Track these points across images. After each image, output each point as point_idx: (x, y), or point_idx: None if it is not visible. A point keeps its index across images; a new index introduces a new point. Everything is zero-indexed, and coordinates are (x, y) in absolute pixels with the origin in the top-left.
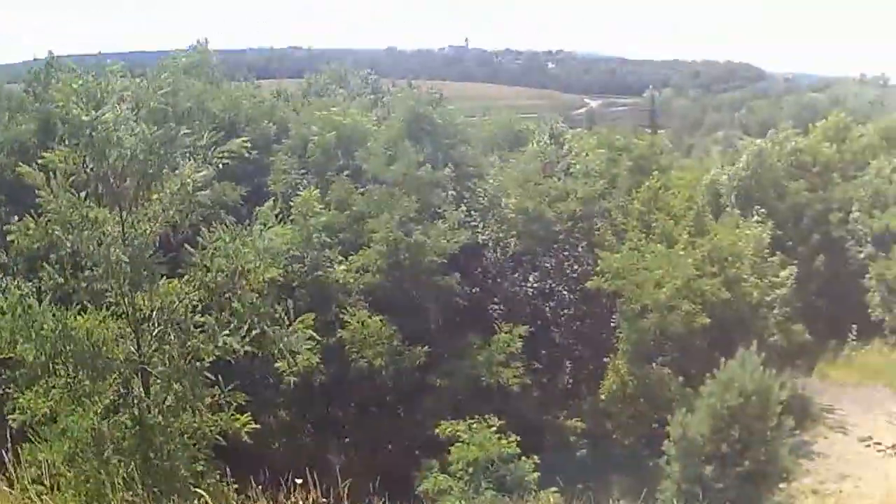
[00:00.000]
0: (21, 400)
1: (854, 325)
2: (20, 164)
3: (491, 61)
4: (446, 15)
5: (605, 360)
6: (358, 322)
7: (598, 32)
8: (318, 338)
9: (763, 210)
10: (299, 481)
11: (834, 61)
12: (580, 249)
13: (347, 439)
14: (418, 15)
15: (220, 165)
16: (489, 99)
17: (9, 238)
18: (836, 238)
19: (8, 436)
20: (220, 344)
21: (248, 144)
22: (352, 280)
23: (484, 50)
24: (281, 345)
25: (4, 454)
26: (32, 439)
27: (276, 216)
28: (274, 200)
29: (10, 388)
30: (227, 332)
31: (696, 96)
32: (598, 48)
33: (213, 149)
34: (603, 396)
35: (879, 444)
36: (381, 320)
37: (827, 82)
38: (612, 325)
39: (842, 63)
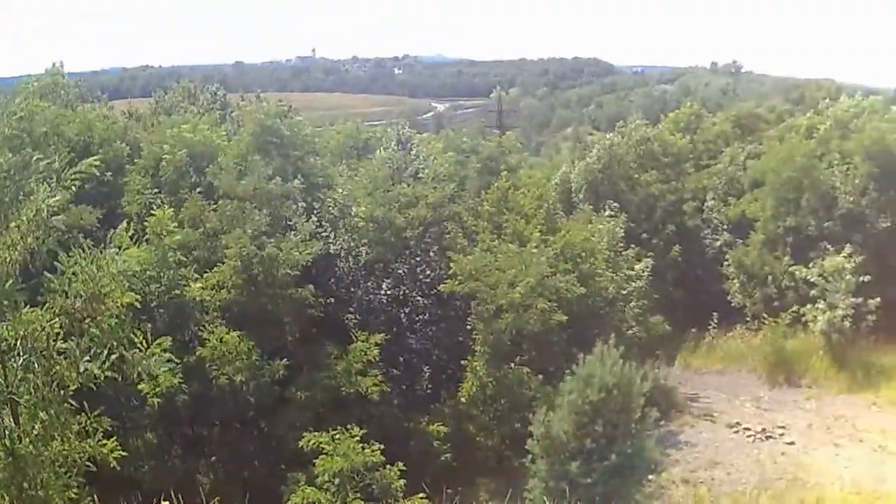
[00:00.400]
0: None
1: (715, 313)
2: None
3: (338, 70)
4: (293, 26)
5: (462, 362)
6: (216, 339)
7: (445, 35)
8: (176, 360)
9: (615, 204)
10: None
11: (685, 51)
12: (432, 254)
13: (214, 458)
14: (265, 28)
15: (74, 188)
16: (337, 108)
17: None
18: (691, 227)
19: None
20: (81, 370)
21: (99, 164)
22: (208, 297)
23: (330, 59)
24: (140, 368)
25: None
26: None
27: (131, 238)
28: (128, 222)
29: None
30: (87, 357)
31: (544, 94)
32: (444, 51)
33: (67, 171)
34: (463, 399)
35: (748, 429)
36: (238, 336)
37: (678, 73)
38: (468, 327)
39: (693, 52)
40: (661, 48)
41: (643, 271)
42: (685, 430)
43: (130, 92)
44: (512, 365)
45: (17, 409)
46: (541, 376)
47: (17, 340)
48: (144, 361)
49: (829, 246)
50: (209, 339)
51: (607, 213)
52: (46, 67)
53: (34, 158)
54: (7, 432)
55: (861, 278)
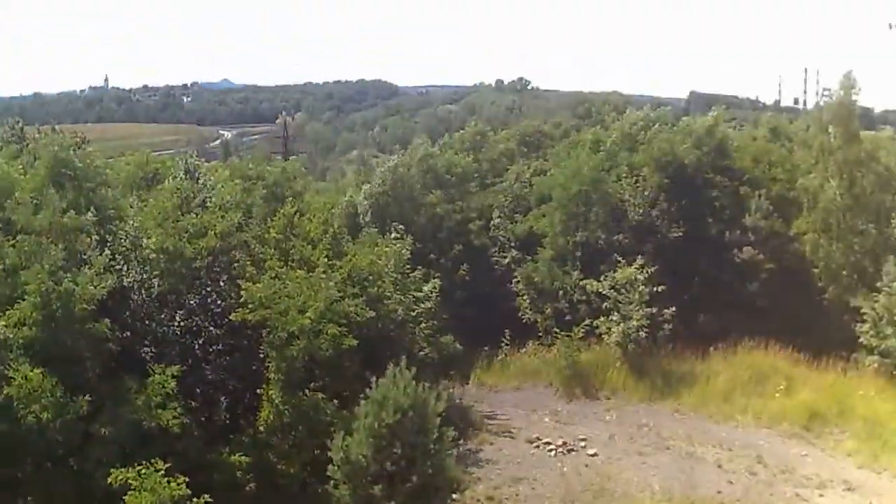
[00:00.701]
0: None
1: (507, 330)
2: None
3: (129, 99)
4: (86, 55)
5: (258, 391)
6: (21, 377)
7: (231, 61)
8: None
9: (401, 226)
10: None
11: (471, 70)
12: (222, 284)
13: (29, 498)
14: (60, 56)
15: None
16: (129, 138)
17: None
18: (478, 246)
19: None
20: None
21: None
22: (11, 335)
23: (122, 88)
24: None
25: None
26: None
27: None
28: None
29: None
30: None
31: (330, 118)
32: (231, 77)
33: None
34: (261, 428)
35: (549, 443)
36: (42, 373)
37: (463, 92)
38: (261, 355)
39: (479, 71)
40: (447, 67)
41: (431, 292)
42: (485, 447)
43: None
44: (307, 391)
45: None
46: (336, 401)
47: None
48: None
49: (620, 258)
50: (14, 378)
51: (393, 235)
52: None
53: None
54: None
55: (655, 288)
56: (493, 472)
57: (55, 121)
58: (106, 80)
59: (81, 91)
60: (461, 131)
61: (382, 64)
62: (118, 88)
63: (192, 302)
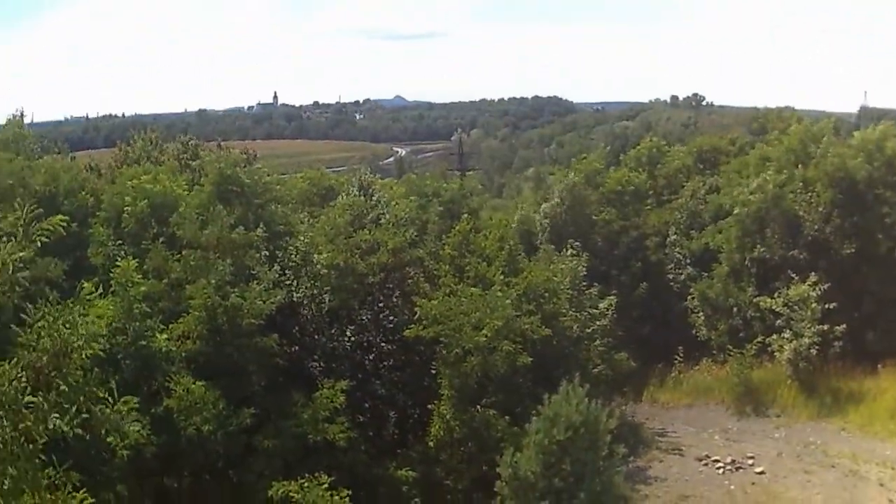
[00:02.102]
0: None
1: (680, 347)
2: None
3: (299, 116)
4: (254, 73)
5: (429, 407)
6: (183, 389)
7: (404, 78)
8: (142, 420)
9: (577, 243)
10: None
11: (646, 86)
12: (395, 300)
13: None
14: (227, 75)
15: (40, 243)
16: (299, 155)
17: None
18: (654, 263)
19: None
20: (49, 426)
21: (67, 219)
22: (174, 348)
23: (292, 105)
24: (108, 426)
25: None
26: None
27: (98, 290)
28: (97, 278)
29: None
30: (56, 413)
31: (505, 135)
32: (404, 94)
33: (33, 225)
34: (430, 443)
35: (718, 461)
36: (204, 386)
37: (638, 108)
38: (432, 371)
39: (654, 87)
40: (622, 84)
41: (607, 309)
42: (654, 465)
43: (94, 142)
44: (478, 407)
45: None
46: (507, 418)
47: None
48: (112, 417)
49: (793, 275)
50: (176, 390)
51: (569, 252)
52: (7, 118)
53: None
54: None
55: (827, 305)
56: (661, 489)
57: (221, 137)
58: (275, 96)
59: (249, 108)
60: (636, 148)
61: (557, 80)
62: (288, 105)
63: (363, 317)
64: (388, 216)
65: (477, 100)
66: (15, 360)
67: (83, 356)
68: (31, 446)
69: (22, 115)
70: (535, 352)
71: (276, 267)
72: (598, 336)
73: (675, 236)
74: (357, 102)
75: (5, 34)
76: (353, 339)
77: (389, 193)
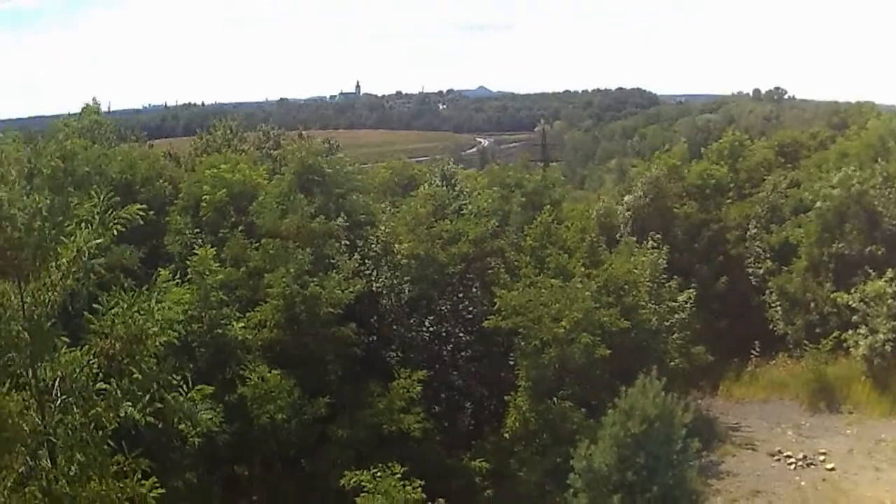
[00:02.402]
0: None
1: (756, 342)
2: None
3: (382, 106)
4: (336, 62)
5: (505, 398)
6: (258, 378)
7: (487, 69)
8: (215, 408)
9: (658, 235)
10: None
11: (728, 79)
12: (475, 290)
13: (255, 497)
14: (308, 64)
15: (116, 231)
16: (382, 144)
17: None
18: (734, 256)
19: None
20: (122, 414)
21: (145, 208)
22: (250, 336)
23: (375, 95)
24: (181, 414)
25: None
26: None
27: (174, 278)
28: (174, 265)
29: None
30: (128, 401)
31: (589, 126)
32: (487, 84)
33: (110, 213)
34: (506, 435)
35: (790, 456)
36: (280, 375)
37: (721, 101)
38: (510, 363)
39: (737, 80)
40: (705, 77)
41: (686, 302)
42: (726, 459)
43: (173, 130)
44: (555, 399)
45: (54, 450)
46: (583, 410)
47: (55, 381)
48: (185, 406)
49: (871, 270)
50: (250, 378)
51: (649, 244)
52: (84, 105)
53: (74, 202)
54: (44, 473)
55: None
56: (733, 484)
57: (302, 127)
58: (357, 86)
59: (331, 97)
60: (718, 141)
61: (640, 72)
62: (370, 94)
63: (443, 308)
64: (470, 206)
65: (560, 91)
66: (87, 346)
67: (157, 343)
68: (100, 433)
69: (97, 103)
70: (612, 344)
71: (357, 256)
72: (677, 329)
73: (755, 230)
74: (440, 93)
75: (82, 21)
76: (431, 329)
77: (472, 184)
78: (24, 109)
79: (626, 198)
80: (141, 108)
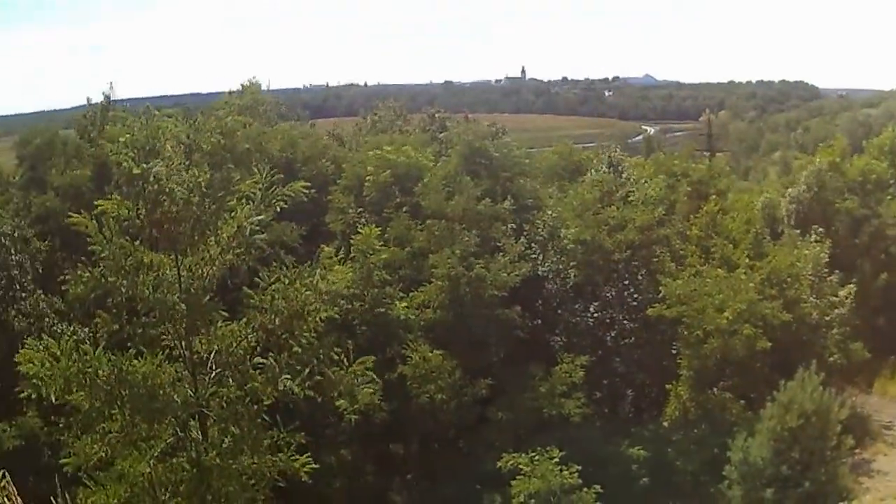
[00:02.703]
0: (76, 445)
1: None
2: (72, 212)
3: (548, 91)
4: (502, 46)
5: (666, 387)
6: (420, 357)
7: (653, 57)
8: (377, 379)
9: (820, 229)
10: None
11: (889, 74)
12: (640, 278)
13: (410, 475)
14: (473, 47)
15: (279, 208)
16: (547, 129)
17: (64, 287)
18: (893, 254)
19: (60, 482)
20: (280, 388)
21: (308, 185)
22: (413, 316)
23: (540, 80)
24: (341, 387)
25: (62, 499)
26: (87, 485)
27: (336, 255)
28: (337, 243)
29: (64, 435)
30: (287, 375)
31: (753, 118)
32: (652, 73)
33: (272, 190)
34: (665, 423)
35: None
36: (442, 355)
37: (882, 96)
38: (672, 352)
39: None
40: (867, 70)
41: (846, 298)
42: (878, 458)
43: (334, 111)
44: (715, 390)
45: (205, 422)
46: (742, 401)
47: (210, 354)
48: (346, 380)
49: None
50: (412, 358)
51: (812, 238)
52: (243, 83)
53: (237, 177)
54: (194, 444)
55: None
56: (883, 483)
57: (468, 110)
58: (523, 71)
59: (497, 81)
60: (878, 136)
61: (803, 64)
62: (536, 80)
63: (608, 294)
64: (636, 194)
65: (725, 81)
66: (246, 321)
67: (318, 319)
68: (255, 407)
69: (257, 81)
70: (773, 337)
71: (523, 240)
72: (836, 324)
73: None
74: (606, 80)
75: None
76: (595, 315)
77: (638, 172)
78: (181, 87)
79: (789, 190)
80: (301, 87)
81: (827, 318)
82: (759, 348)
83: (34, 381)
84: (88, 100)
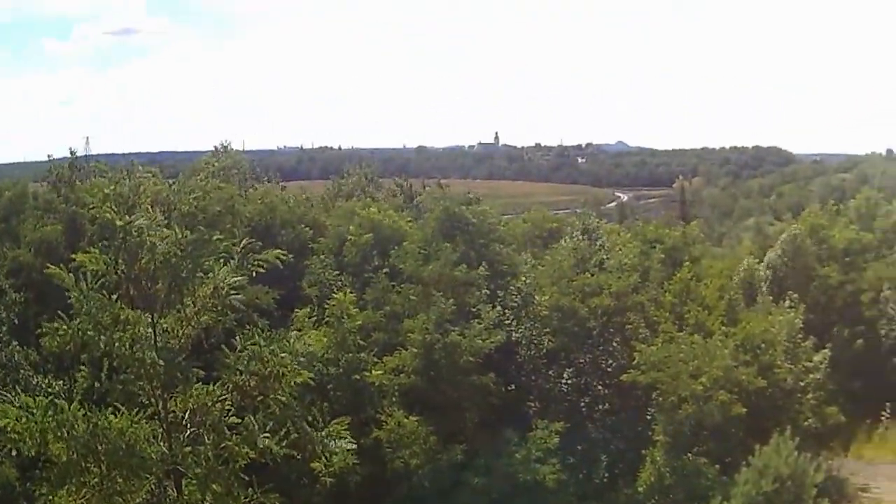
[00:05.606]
0: (52, 498)
1: (888, 403)
2: (48, 265)
3: (521, 157)
4: (475, 112)
5: (641, 452)
6: (394, 423)
7: (625, 123)
8: (353, 441)
9: (795, 295)
10: None
11: (862, 139)
12: (614, 344)
13: None
14: (446, 112)
15: (254, 273)
16: (520, 196)
17: (40, 340)
18: (867, 318)
19: None
20: (258, 446)
21: (285, 252)
22: (387, 381)
23: (514, 146)
24: (318, 446)
25: None
26: None
27: (311, 319)
28: (311, 308)
29: (40, 488)
30: (265, 434)
31: (726, 184)
32: (626, 139)
33: (248, 254)
34: (640, 489)
35: None
36: (416, 420)
37: (855, 161)
38: (647, 417)
39: (870, 140)
40: (841, 135)
41: (821, 363)
42: None
43: (308, 173)
44: (690, 455)
45: (180, 480)
46: (717, 466)
47: (185, 413)
48: (323, 440)
49: None
50: (387, 422)
51: (786, 304)
52: (217, 144)
53: (213, 237)
54: (169, 501)
55: None
56: None
57: (441, 175)
58: (496, 136)
59: (470, 146)
60: (853, 201)
61: (776, 130)
62: (509, 146)
63: (582, 360)
64: (611, 261)
65: (699, 147)
66: (221, 381)
67: (293, 382)
68: (232, 466)
69: (229, 143)
70: (748, 402)
71: (498, 306)
72: (811, 389)
73: (888, 291)
74: (579, 146)
75: (219, 59)
76: (570, 381)
77: (613, 238)
78: (154, 144)
79: (768, 255)
80: (276, 148)
81: (802, 384)
82: (735, 413)
83: (9, 435)
84: (49, 156)
